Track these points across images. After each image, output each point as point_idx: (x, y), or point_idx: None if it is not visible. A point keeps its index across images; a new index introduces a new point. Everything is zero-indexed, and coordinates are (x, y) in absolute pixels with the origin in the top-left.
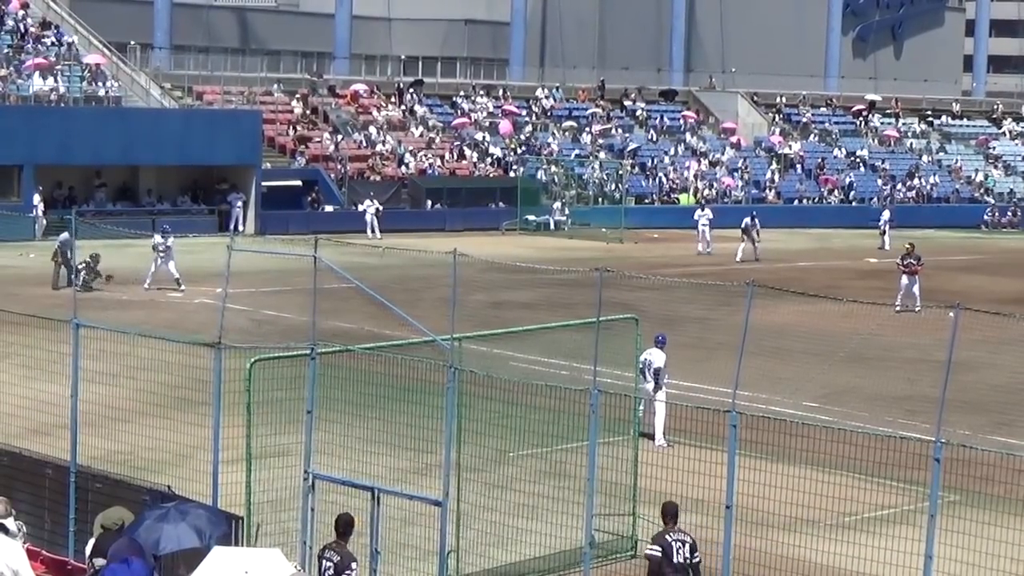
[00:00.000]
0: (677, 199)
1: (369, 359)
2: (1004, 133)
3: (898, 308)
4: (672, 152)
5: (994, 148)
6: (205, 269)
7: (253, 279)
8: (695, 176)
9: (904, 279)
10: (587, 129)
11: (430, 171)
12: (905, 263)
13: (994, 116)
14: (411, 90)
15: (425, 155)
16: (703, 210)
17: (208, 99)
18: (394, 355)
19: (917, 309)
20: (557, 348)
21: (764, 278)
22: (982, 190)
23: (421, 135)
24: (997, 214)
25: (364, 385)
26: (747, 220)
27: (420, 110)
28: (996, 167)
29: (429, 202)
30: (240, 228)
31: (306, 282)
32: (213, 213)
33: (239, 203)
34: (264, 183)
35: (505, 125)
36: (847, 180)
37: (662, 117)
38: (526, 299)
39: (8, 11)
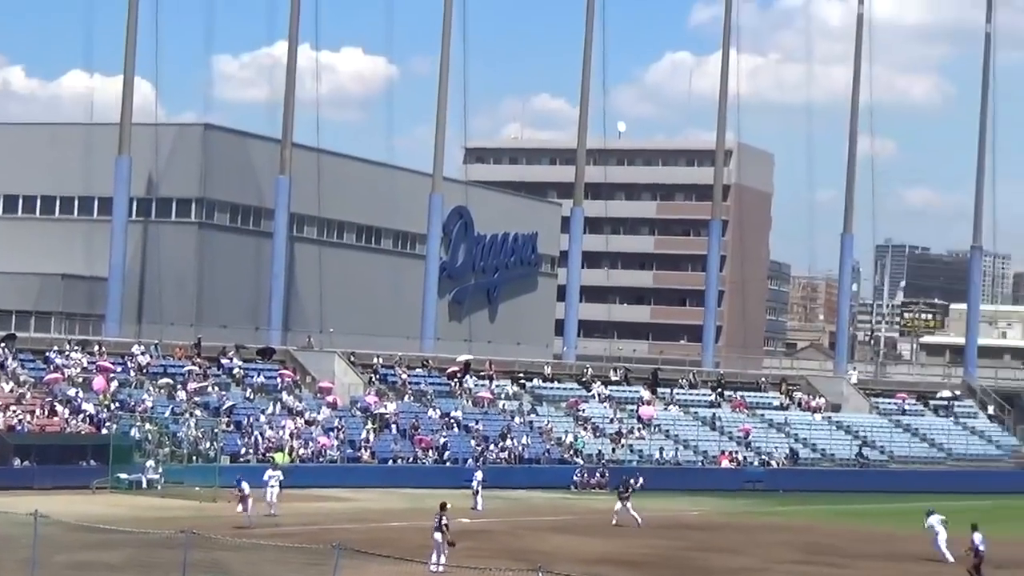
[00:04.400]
0: (272, 458)
1: None
2: (593, 396)
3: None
4: (269, 410)
5: (584, 410)
6: None
7: None
8: (291, 435)
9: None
10: (183, 386)
11: (19, 427)
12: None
13: (584, 379)
14: (2, 344)
15: (15, 411)
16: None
17: None
18: None
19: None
20: None
21: (356, 539)
22: (572, 451)
23: (11, 390)
24: (586, 475)
25: None
26: None
27: (11, 364)
28: (585, 429)
29: (16, 459)
30: None
31: None
32: None
33: None
34: None
35: (99, 381)
36: (441, 440)
37: (259, 375)
38: (113, 560)
39: None
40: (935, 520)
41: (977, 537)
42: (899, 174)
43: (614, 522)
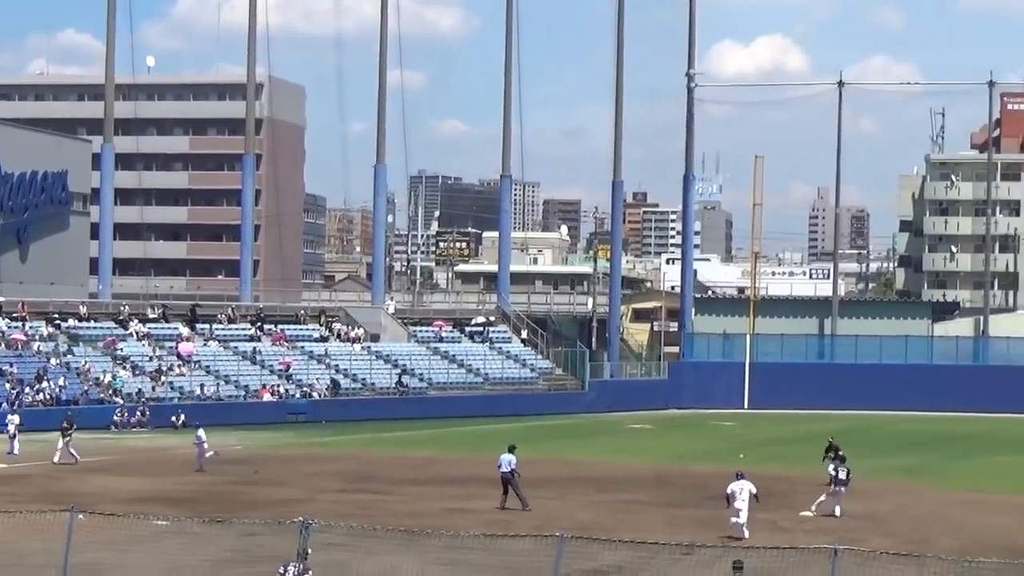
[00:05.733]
0: None
1: None
2: (132, 334)
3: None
4: None
5: (121, 349)
6: None
7: None
8: None
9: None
10: None
11: None
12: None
13: (121, 318)
14: None
15: None
16: None
17: None
18: None
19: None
20: None
21: None
22: (111, 391)
23: None
24: (127, 414)
25: None
26: None
27: None
28: (124, 368)
29: None
30: None
31: None
32: None
33: None
34: None
35: None
36: None
37: None
38: None
39: None
40: (202, 432)
41: (505, 458)
42: (430, 106)
43: (56, 459)
